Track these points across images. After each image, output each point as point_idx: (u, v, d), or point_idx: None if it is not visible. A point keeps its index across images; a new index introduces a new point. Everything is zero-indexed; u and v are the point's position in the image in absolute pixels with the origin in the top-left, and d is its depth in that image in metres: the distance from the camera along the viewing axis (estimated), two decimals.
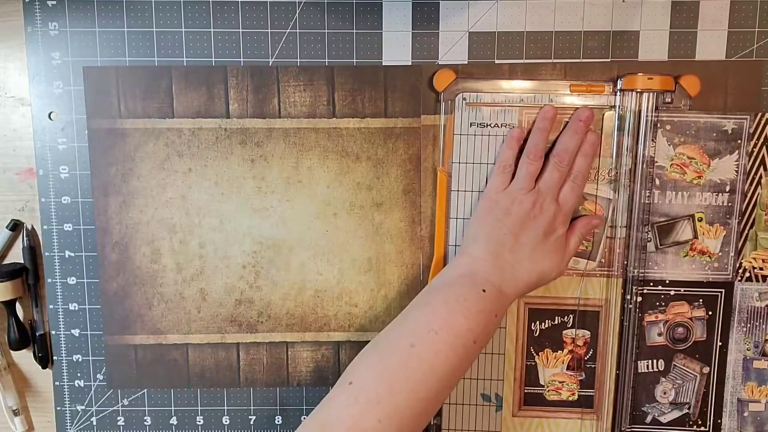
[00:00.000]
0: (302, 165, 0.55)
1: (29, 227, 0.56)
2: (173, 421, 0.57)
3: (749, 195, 0.53)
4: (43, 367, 0.57)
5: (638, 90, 0.51)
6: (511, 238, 0.48)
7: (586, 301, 0.54)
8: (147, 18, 0.53)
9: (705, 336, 0.54)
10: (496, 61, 0.54)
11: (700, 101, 0.52)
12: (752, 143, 0.52)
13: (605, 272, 0.54)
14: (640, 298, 0.53)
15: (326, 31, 0.53)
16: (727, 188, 0.53)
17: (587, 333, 0.54)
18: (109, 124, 0.54)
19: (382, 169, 0.55)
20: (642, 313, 0.54)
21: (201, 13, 0.53)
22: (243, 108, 0.54)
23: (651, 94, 0.51)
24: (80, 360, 0.57)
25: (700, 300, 0.53)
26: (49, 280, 0.56)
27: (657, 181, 0.53)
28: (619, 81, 0.52)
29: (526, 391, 0.55)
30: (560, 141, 0.51)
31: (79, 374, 0.57)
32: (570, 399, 0.55)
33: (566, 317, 0.54)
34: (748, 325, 0.53)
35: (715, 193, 0.53)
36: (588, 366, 0.55)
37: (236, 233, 0.55)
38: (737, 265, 0.53)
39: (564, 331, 0.54)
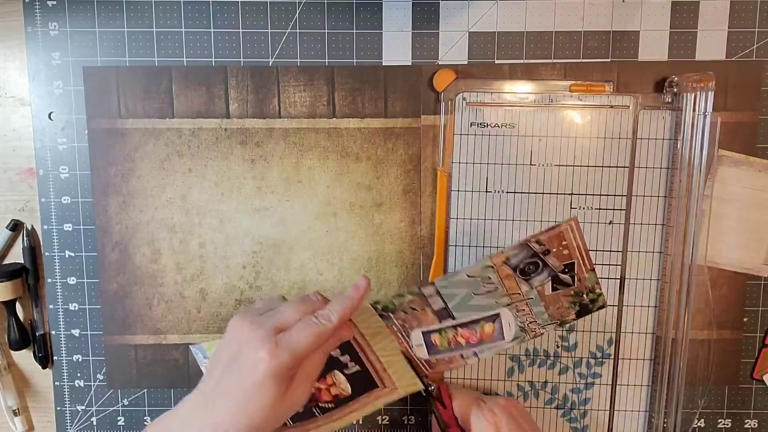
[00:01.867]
0: (302, 165, 0.55)
1: (29, 227, 0.56)
2: None
3: None
4: (43, 367, 0.57)
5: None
6: None
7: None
8: (147, 18, 0.53)
9: None
10: (496, 61, 0.54)
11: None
12: None
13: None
14: None
15: (326, 31, 0.53)
16: None
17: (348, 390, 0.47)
18: (109, 124, 0.54)
19: (382, 169, 0.55)
20: None
21: (201, 13, 0.53)
22: (243, 108, 0.54)
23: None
24: (80, 360, 0.57)
25: None
26: (49, 280, 0.56)
27: None
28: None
29: None
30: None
31: (79, 374, 0.57)
32: None
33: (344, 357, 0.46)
34: None
35: None
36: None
37: (236, 233, 0.55)
38: None
39: (335, 370, 0.47)
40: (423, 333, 0.46)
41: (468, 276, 0.43)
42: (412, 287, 0.44)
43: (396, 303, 0.44)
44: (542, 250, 0.42)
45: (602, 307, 0.46)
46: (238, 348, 0.38)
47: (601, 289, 0.45)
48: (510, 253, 0.43)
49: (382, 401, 0.49)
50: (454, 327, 0.46)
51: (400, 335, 0.46)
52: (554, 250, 0.42)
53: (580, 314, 0.46)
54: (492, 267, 0.43)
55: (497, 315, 0.46)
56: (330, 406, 0.48)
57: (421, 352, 0.47)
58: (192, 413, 0.39)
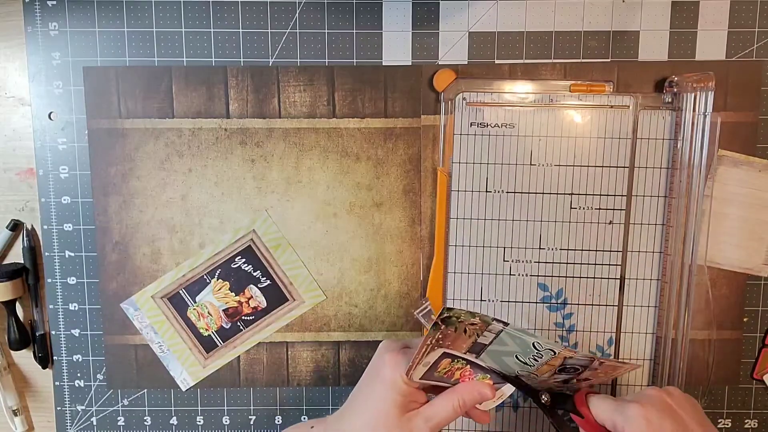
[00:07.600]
0: (302, 165, 0.55)
1: (29, 227, 0.56)
2: (173, 421, 0.57)
3: None
4: (43, 367, 0.57)
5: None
6: None
7: None
8: (147, 18, 0.53)
9: None
10: (496, 61, 0.54)
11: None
12: None
13: None
14: None
15: (326, 31, 0.53)
16: None
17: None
18: (109, 124, 0.54)
19: (382, 169, 0.55)
20: None
21: (201, 13, 0.53)
22: (243, 108, 0.54)
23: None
24: (80, 360, 0.57)
25: None
26: (49, 280, 0.56)
27: None
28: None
29: None
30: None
31: (79, 374, 0.57)
32: None
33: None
34: None
35: None
36: None
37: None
38: None
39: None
40: (443, 353, 0.42)
41: (534, 345, 0.41)
42: (487, 316, 0.39)
43: (461, 317, 0.40)
44: (592, 369, 0.45)
45: None
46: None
47: None
48: (574, 356, 0.43)
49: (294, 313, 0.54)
50: (467, 362, 0.43)
51: (431, 345, 0.41)
52: (600, 374, 0.46)
53: None
54: (553, 352, 0.42)
55: (503, 383, 0.45)
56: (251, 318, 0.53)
57: (420, 371, 0.42)
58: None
